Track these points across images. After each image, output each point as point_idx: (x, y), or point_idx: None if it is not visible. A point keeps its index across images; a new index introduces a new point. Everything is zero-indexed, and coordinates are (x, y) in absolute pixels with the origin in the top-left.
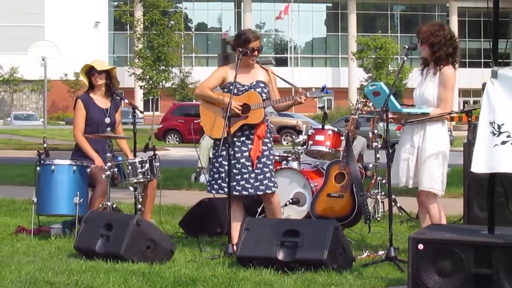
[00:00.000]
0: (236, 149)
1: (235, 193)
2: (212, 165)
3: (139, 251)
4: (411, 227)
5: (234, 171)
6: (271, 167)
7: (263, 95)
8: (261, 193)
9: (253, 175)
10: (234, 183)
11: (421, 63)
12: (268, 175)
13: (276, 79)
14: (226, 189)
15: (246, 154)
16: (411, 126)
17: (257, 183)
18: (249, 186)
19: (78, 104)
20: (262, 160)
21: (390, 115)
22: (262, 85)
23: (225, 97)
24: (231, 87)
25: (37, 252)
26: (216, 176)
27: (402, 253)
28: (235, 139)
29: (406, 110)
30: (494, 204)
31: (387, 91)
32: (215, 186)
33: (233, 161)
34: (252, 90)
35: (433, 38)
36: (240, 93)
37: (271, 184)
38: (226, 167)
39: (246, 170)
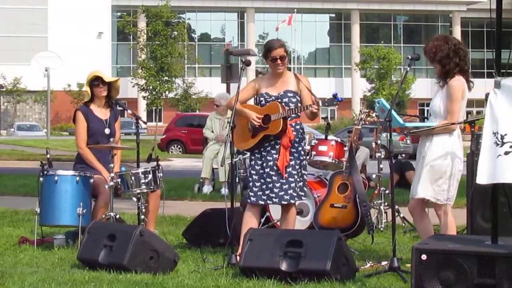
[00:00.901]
0: (263, 159)
1: (260, 202)
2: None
3: (142, 262)
4: (414, 238)
5: (261, 180)
6: (296, 177)
7: (291, 104)
8: (285, 202)
9: (278, 185)
10: (260, 193)
11: (435, 73)
12: (292, 185)
13: (310, 87)
14: (252, 198)
15: (271, 163)
16: (423, 138)
17: (282, 193)
18: (273, 196)
19: (79, 116)
20: (288, 170)
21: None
22: (290, 94)
23: (249, 109)
24: (261, 98)
25: (40, 263)
26: (247, 185)
27: (405, 264)
28: (261, 149)
29: (409, 124)
30: (497, 214)
31: (388, 106)
32: (246, 196)
33: (261, 171)
34: (279, 100)
35: (440, 54)
36: (267, 103)
37: (294, 194)
38: (254, 176)
39: (270, 180)
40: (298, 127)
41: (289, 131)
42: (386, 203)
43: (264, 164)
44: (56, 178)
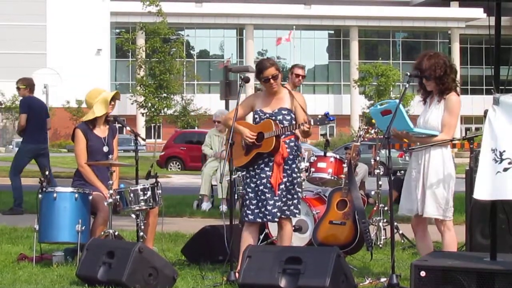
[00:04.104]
0: (256, 176)
1: (258, 220)
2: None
3: (141, 279)
4: (413, 254)
5: (257, 198)
6: (288, 195)
7: (285, 122)
8: (277, 220)
9: (271, 202)
10: (257, 211)
11: (422, 93)
12: (286, 202)
13: (304, 105)
14: (249, 216)
15: (264, 181)
16: (416, 153)
17: (275, 210)
18: (267, 213)
19: (78, 134)
20: (281, 187)
21: (395, 132)
22: (284, 112)
23: (242, 126)
24: (255, 116)
25: (39, 280)
26: (244, 203)
27: (404, 280)
28: (255, 166)
29: (417, 130)
30: (496, 231)
31: (403, 110)
32: (243, 214)
33: (256, 189)
34: (273, 117)
35: (438, 71)
36: (261, 121)
37: (288, 212)
38: (250, 194)
39: (264, 197)
40: (292, 144)
41: (283, 149)
42: (385, 220)
43: (258, 182)
44: (55, 195)
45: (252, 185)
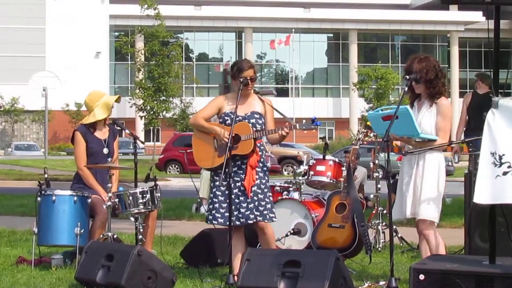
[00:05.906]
0: (229, 179)
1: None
2: (209, 195)
3: (140, 282)
4: (412, 258)
5: (228, 201)
6: (260, 196)
7: (257, 126)
8: (251, 222)
9: (244, 205)
10: (228, 214)
11: (409, 96)
12: (260, 203)
13: (273, 111)
14: (219, 219)
15: (239, 184)
16: (409, 157)
17: (248, 212)
18: (240, 216)
19: (77, 136)
20: (253, 189)
21: (394, 137)
22: (257, 116)
23: (217, 127)
24: (226, 117)
25: (38, 283)
26: (211, 206)
27: (403, 284)
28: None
29: (423, 135)
30: (495, 234)
31: (412, 115)
32: (210, 217)
33: (227, 192)
34: (246, 121)
35: (430, 75)
36: (234, 123)
37: (265, 212)
38: (220, 198)
39: (238, 200)
40: (262, 147)
41: (257, 152)
42: (384, 223)
43: (232, 185)
44: (54, 198)
45: (223, 188)
